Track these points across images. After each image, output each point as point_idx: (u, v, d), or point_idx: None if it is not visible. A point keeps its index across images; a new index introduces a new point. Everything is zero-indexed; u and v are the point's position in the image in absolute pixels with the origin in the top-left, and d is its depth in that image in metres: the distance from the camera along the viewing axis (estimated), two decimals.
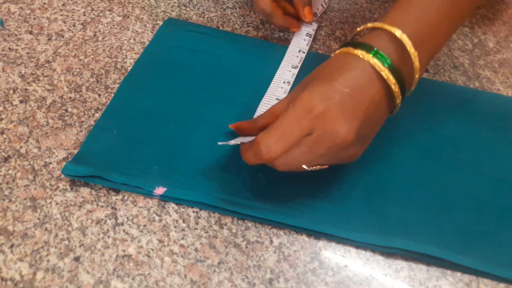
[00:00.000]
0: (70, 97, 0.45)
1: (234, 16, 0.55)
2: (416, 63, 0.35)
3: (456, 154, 0.44)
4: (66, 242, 0.35)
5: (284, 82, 0.47)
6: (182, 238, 0.36)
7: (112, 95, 0.45)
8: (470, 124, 0.47)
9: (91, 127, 0.42)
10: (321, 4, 0.56)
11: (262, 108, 0.45)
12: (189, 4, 0.56)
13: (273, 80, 0.47)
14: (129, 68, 0.47)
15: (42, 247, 0.35)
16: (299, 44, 0.51)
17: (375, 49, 0.34)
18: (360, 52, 0.35)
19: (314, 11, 0.55)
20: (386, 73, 0.34)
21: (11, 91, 0.44)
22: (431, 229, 0.38)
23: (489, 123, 0.47)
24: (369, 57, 0.34)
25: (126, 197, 0.38)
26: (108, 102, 0.44)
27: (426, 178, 0.42)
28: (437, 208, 0.40)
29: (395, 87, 0.35)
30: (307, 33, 0.52)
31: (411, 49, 0.34)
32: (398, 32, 0.34)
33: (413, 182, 0.41)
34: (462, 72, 0.53)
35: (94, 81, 0.46)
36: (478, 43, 0.57)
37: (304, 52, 0.51)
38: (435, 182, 0.41)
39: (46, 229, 0.36)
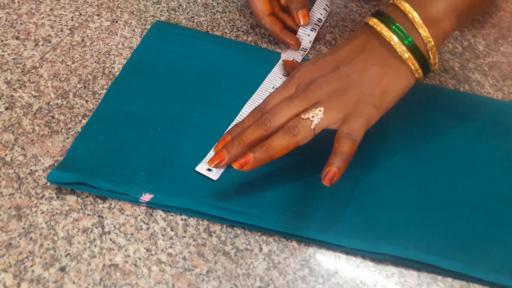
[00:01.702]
0: (57, 104, 0.44)
1: (223, 20, 0.55)
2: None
3: (446, 158, 0.44)
4: (52, 251, 0.35)
5: (273, 87, 0.47)
6: (170, 247, 0.36)
7: (100, 101, 0.44)
8: (460, 128, 0.47)
9: (78, 134, 0.41)
10: (324, 8, 0.55)
11: (247, 109, 0.44)
12: (179, 8, 0.56)
13: (262, 84, 0.47)
14: (117, 74, 0.47)
15: (26, 257, 0.34)
16: (293, 55, 0.51)
17: (397, 24, 0.38)
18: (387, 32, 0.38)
19: (319, 17, 0.54)
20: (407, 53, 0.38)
21: None
22: (421, 235, 0.38)
23: (479, 127, 0.47)
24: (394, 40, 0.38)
25: (113, 205, 0.38)
26: (96, 108, 0.44)
27: (415, 182, 0.41)
28: (426, 213, 0.39)
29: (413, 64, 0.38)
30: (302, 47, 0.52)
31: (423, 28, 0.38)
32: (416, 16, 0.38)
33: (403, 187, 0.41)
34: (452, 76, 0.53)
35: (81, 87, 0.46)
36: (468, 46, 0.57)
37: (298, 61, 0.51)
38: (425, 186, 0.41)
39: (31, 238, 0.35)
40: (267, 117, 0.39)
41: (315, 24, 0.54)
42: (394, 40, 0.38)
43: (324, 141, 0.39)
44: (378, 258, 0.37)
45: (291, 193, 0.39)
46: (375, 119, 0.38)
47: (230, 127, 0.43)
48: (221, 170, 0.40)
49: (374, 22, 0.39)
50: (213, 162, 0.39)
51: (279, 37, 0.51)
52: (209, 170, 0.40)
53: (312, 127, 0.37)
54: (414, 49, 0.38)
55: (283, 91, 0.41)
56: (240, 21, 0.55)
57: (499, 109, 0.49)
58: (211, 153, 0.41)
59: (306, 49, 0.52)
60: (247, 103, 0.45)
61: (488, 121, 0.47)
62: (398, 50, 0.38)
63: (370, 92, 0.38)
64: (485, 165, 0.44)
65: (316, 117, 0.37)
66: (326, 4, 0.55)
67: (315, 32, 0.53)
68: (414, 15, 0.38)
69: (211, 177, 0.39)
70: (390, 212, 0.39)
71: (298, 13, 0.51)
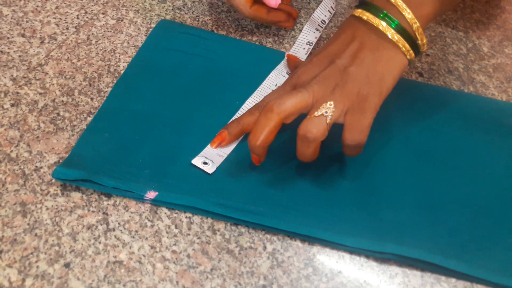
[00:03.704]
0: (62, 101, 0.44)
1: (228, 20, 0.55)
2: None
3: (450, 158, 0.44)
4: (56, 248, 0.35)
5: (275, 85, 0.47)
6: (174, 244, 0.36)
7: (105, 99, 0.44)
8: (464, 129, 0.47)
9: (83, 131, 0.41)
10: (329, 10, 0.56)
11: (247, 105, 0.45)
12: (184, 7, 0.56)
13: (265, 81, 0.47)
14: (122, 72, 0.47)
15: (31, 253, 0.34)
16: (298, 53, 0.51)
17: (384, 12, 0.39)
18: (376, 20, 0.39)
19: (322, 18, 0.55)
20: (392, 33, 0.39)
21: (2, 95, 0.44)
22: (425, 234, 0.38)
23: (483, 128, 0.47)
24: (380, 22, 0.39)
25: (117, 202, 0.38)
26: (101, 106, 0.44)
27: (419, 182, 0.41)
28: (430, 213, 0.39)
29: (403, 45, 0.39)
30: (308, 41, 0.52)
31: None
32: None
33: (407, 187, 0.41)
34: (456, 77, 0.53)
35: (86, 85, 0.46)
36: (473, 48, 0.57)
37: (302, 58, 0.51)
38: (429, 186, 0.41)
39: (36, 234, 0.35)
40: (270, 104, 0.38)
41: (318, 25, 0.54)
42: (383, 25, 0.38)
43: (327, 139, 0.39)
44: (382, 257, 0.37)
45: (295, 191, 0.39)
46: (378, 105, 0.39)
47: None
48: (217, 165, 0.40)
49: (359, 12, 0.40)
50: (215, 143, 0.41)
51: (267, 21, 0.51)
52: (204, 163, 0.40)
53: (328, 122, 0.37)
54: (401, 31, 0.39)
55: (282, 91, 0.41)
56: (245, 21, 0.55)
57: (504, 110, 0.49)
58: (208, 148, 0.41)
59: (312, 43, 0.52)
60: (248, 99, 0.45)
61: (493, 123, 0.47)
62: (387, 33, 0.38)
63: (368, 81, 0.38)
64: (489, 165, 0.44)
65: (329, 112, 0.37)
66: (331, 6, 0.56)
67: (319, 32, 0.53)
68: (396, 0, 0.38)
69: (207, 171, 0.40)
70: (394, 212, 0.39)
71: None
